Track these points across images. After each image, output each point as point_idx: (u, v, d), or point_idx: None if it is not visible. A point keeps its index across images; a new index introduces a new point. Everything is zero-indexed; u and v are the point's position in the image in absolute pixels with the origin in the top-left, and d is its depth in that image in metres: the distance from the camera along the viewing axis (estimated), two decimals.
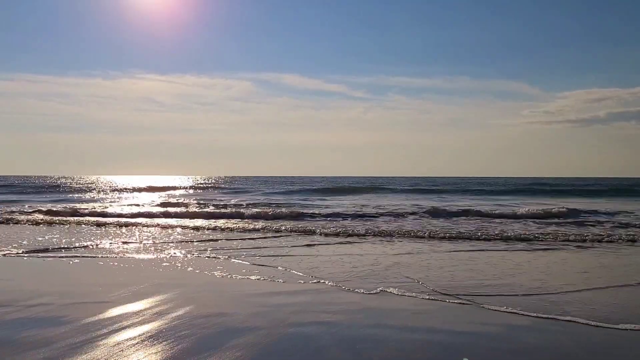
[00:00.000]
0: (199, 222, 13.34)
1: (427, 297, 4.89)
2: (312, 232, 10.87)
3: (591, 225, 12.01)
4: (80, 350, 3.30)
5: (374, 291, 5.13)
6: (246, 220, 13.98)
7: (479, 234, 10.30)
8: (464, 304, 4.62)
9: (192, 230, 11.44)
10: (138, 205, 20.89)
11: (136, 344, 3.45)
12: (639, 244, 9.02)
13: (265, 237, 10.11)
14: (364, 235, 10.37)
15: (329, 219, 14.23)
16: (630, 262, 7.26)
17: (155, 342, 3.48)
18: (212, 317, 4.13)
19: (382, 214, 15.37)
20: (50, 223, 13.17)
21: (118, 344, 3.44)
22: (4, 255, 7.59)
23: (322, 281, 5.63)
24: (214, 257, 7.46)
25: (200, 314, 4.20)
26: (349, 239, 9.81)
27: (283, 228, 11.68)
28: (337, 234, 10.53)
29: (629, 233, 10.26)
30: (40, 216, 15.07)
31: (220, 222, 13.05)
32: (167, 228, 11.95)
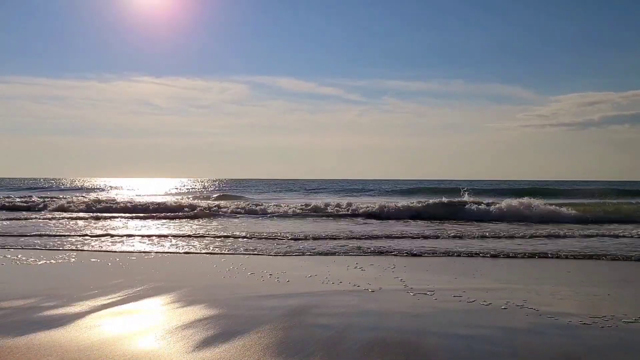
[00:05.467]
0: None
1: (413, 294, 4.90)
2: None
3: None
4: (79, 353, 3.29)
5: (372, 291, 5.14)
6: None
7: None
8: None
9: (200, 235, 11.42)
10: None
11: (132, 345, 3.44)
12: None
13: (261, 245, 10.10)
14: None
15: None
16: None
17: (151, 345, 3.47)
18: (209, 319, 4.11)
19: None
20: None
21: (115, 345, 3.43)
22: None
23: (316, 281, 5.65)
24: (212, 260, 7.45)
25: (198, 317, 4.19)
26: None
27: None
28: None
29: None
30: None
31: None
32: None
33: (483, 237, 10.42)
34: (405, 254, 8.00)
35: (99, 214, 16.68)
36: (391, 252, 8.19)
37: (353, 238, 10.24)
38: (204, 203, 19.57)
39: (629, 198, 25.15)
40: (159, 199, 23.34)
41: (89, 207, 18.55)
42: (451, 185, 42.17)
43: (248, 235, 10.57)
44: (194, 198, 26.36)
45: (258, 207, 17.60)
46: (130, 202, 19.79)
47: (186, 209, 17.36)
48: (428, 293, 5.14)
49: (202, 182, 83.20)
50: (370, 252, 8.19)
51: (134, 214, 16.56)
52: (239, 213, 16.83)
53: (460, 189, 21.97)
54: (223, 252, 8.33)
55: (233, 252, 8.26)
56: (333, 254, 8.14)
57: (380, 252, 8.19)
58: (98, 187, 56.42)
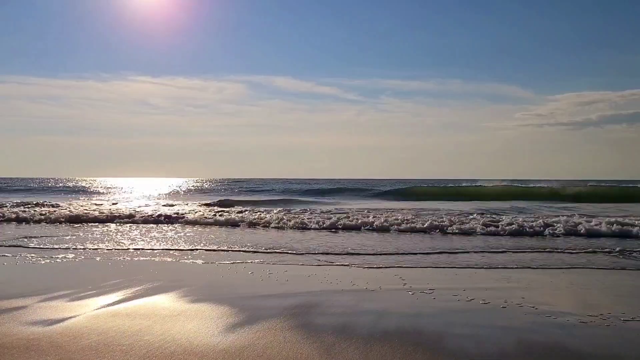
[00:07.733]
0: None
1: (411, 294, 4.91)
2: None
3: None
4: (78, 353, 3.29)
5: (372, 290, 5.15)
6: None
7: None
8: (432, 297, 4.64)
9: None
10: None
11: (132, 345, 3.44)
12: None
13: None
14: None
15: None
16: None
17: (151, 345, 3.47)
18: (208, 319, 4.11)
19: None
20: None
21: (115, 345, 3.43)
22: None
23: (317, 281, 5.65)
24: (212, 261, 7.46)
25: (198, 317, 4.19)
26: None
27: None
28: None
29: None
30: None
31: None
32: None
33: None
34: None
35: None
36: None
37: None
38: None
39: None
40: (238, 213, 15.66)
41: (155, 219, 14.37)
42: (450, 185, 42.15)
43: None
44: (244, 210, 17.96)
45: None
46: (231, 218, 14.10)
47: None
48: (427, 292, 5.15)
49: (221, 182, 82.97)
50: None
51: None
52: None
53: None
54: None
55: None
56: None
57: None
58: (118, 187, 56.30)
